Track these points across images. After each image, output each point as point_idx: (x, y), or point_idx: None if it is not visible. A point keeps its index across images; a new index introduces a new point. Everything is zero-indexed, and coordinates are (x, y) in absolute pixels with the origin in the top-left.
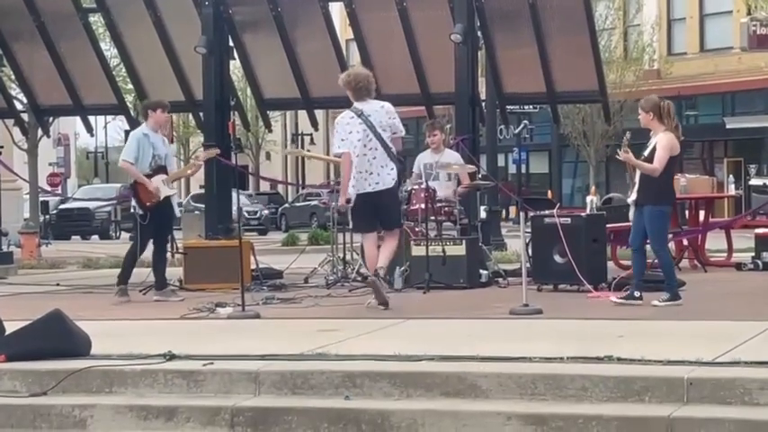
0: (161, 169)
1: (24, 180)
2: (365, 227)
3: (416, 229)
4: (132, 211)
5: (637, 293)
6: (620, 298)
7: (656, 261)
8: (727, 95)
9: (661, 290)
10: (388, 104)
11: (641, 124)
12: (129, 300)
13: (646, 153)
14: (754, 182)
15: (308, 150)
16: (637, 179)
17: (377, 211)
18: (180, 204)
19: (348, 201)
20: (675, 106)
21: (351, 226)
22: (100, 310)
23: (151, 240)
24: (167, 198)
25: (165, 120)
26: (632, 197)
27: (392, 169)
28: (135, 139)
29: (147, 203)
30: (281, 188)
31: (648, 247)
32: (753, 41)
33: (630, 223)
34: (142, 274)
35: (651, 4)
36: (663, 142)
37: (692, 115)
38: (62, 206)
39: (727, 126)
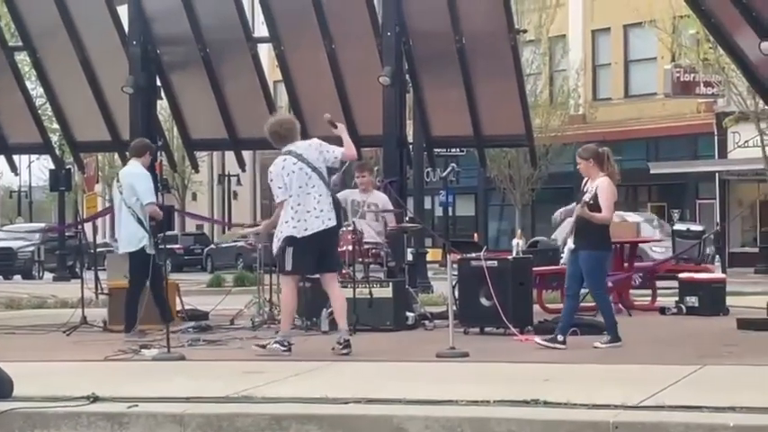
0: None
1: None
2: (309, 268)
3: (343, 271)
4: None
5: (560, 337)
6: (545, 340)
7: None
8: (651, 141)
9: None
10: (313, 140)
11: (581, 171)
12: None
13: (586, 198)
14: (677, 227)
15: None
16: (573, 224)
17: (321, 252)
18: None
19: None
20: None
21: (289, 267)
22: (23, 351)
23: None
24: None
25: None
26: (569, 244)
27: (333, 208)
28: (148, 178)
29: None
30: (206, 229)
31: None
32: (676, 88)
33: (558, 267)
34: (65, 315)
35: (576, 50)
36: (606, 190)
37: (617, 160)
38: None
39: (651, 171)
